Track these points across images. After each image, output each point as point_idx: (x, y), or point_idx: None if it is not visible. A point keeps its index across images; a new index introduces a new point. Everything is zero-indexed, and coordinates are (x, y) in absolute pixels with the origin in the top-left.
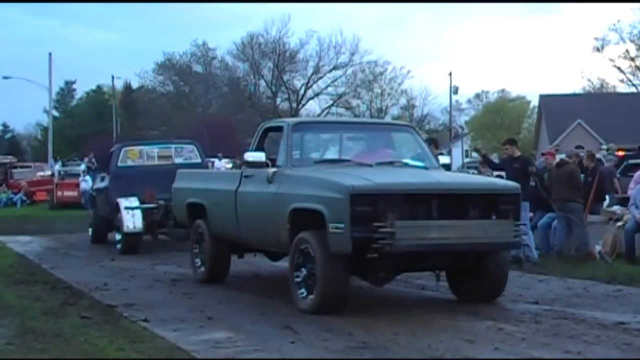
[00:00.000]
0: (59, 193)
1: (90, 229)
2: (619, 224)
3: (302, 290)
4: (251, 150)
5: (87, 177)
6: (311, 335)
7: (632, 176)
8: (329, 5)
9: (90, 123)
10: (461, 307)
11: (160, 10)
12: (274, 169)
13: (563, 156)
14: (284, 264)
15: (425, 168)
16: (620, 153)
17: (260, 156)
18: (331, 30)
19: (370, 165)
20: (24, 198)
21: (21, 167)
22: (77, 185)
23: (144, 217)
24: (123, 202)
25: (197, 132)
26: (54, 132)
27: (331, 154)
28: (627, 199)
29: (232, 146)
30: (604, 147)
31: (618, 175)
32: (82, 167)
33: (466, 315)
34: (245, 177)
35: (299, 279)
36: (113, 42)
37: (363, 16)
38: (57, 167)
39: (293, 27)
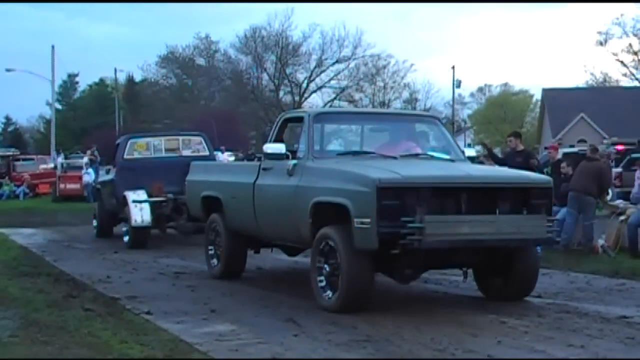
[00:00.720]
0: (62, 186)
1: (94, 223)
2: (622, 218)
3: (325, 287)
4: (270, 142)
5: (90, 170)
6: (314, 329)
7: (634, 170)
8: None
9: (93, 116)
10: (464, 300)
11: (164, 4)
12: (294, 161)
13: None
14: (284, 256)
15: (452, 160)
16: (620, 147)
17: (280, 148)
18: (334, 23)
19: (395, 158)
20: (27, 191)
21: (24, 159)
22: (80, 177)
23: (152, 211)
24: (131, 195)
25: (200, 125)
26: (57, 125)
27: (354, 146)
28: (629, 192)
29: (235, 139)
30: (606, 141)
31: (620, 169)
32: (85, 159)
33: (469, 309)
34: (264, 169)
35: (321, 276)
36: (116, 35)
37: (366, 9)
38: (60, 159)
39: (296, 21)
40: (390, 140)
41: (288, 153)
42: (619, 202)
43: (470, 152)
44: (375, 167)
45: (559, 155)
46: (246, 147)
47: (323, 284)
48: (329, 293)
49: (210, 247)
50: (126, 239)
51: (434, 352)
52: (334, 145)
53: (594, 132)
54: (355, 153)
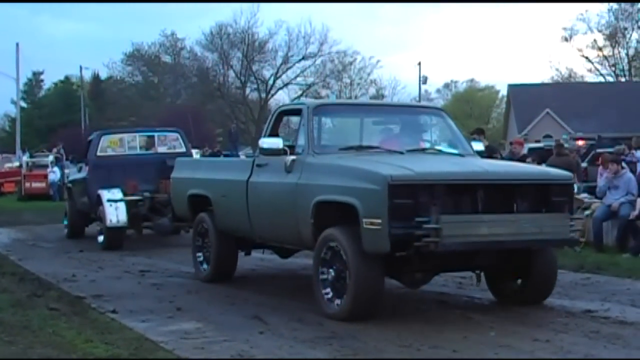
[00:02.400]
0: (27, 184)
1: (65, 223)
2: (587, 212)
3: (330, 293)
4: (265, 136)
5: (56, 168)
6: (280, 325)
7: (599, 165)
8: None
9: (58, 114)
10: (430, 296)
11: (130, 3)
12: (292, 157)
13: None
14: (259, 254)
15: (461, 155)
16: (580, 142)
17: (276, 142)
18: (300, 20)
19: (402, 153)
20: None
21: None
22: (46, 176)
23: (128, 210)
24: (105, 194)
25: (166, 123)
26: (22, 123)
27: (356, 140)
28: (594, 187)
29: (201, 136)
30: (565, 136)
31: (585, 164)
32: (51, 158)
33: (435, 304)
34: (258, 165)
35: (325, 282)
36: (81, 32)
37: (332, 6)
38: (25, 158)
39: (262, 18)
40: (395, 134)
41: (286, 148)
42: (584, 197)
43: (479, 146)
44: (385, 163)
45: (524, 151)
46: (212, 144)
47: (327, 289)
48: (334, 298)
49: (198, 250)
50: (100, 239)
51: (399, 347)
52: (335, 140)
53: (559, 127)
54: (359, 148)
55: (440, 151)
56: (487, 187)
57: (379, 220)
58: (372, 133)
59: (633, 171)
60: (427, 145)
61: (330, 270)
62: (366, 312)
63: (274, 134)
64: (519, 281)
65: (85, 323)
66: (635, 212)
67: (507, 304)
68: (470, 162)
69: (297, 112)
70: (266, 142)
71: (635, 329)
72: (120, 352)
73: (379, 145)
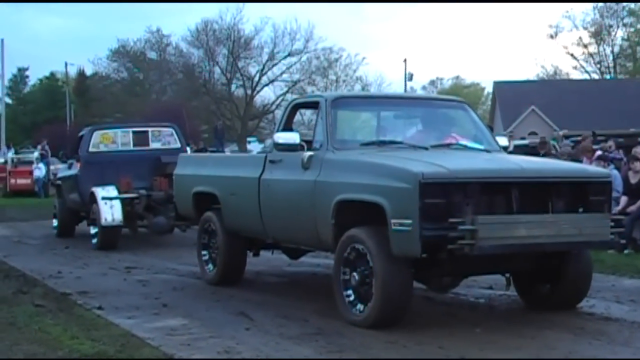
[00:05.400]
0: (12, 181)
1: (54, 222)
2: None
3: (353, 299)
4: (279, 131)
5: (41, 165)
6: (266, 322)
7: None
8: None
9: (43, 110)
10: (416, 292)
11: None
12: (310, 153)
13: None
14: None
15: (487, 151)
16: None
17: (293, 137)
18: (286, 17)
19: (426, 148)
20: None
21: None
22: (31, 172)
23: (123, 208)
24: (100, 192)
25: (152, 119)
26: (7, 120)
27: (377, 135)
28: None
29: (186, 133)
30: (560, 133)
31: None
32: (36, 154)
33: (421, 301)
34: (272, 162)
35: (347, 286)
36: (66, 28)
37: (318, 2)
38: (10, 154)
39: (248, 14)
40: (418, 128)
41: (303, 143)
42: None
43: (504, 141)
44: (413, 160)
45: (511, 148)
46: (197, 140)
47: (350, 294)
48: (358, 304)
49: (203, 248)
50: (94, 241)
51: (386, 344)
52: (355, 134)
53: (544, 124)
54: (382, 143)
55: (465, 146)
56: (523, 185)
57: (409, 221)
58: (393, 127)
59: (618, 168)
60: (453, 140)
61: (354, 273)
62: (394, 320)
63: (288, 128)
64: (549, 285)
65: (71, 320)
66: (619, 208)
67: (493, 301)
68: (502, 159)
69: (313, 105)
70: (282, 137)
71: (619, 325)
72: (107, 349)
73: (401, 140)
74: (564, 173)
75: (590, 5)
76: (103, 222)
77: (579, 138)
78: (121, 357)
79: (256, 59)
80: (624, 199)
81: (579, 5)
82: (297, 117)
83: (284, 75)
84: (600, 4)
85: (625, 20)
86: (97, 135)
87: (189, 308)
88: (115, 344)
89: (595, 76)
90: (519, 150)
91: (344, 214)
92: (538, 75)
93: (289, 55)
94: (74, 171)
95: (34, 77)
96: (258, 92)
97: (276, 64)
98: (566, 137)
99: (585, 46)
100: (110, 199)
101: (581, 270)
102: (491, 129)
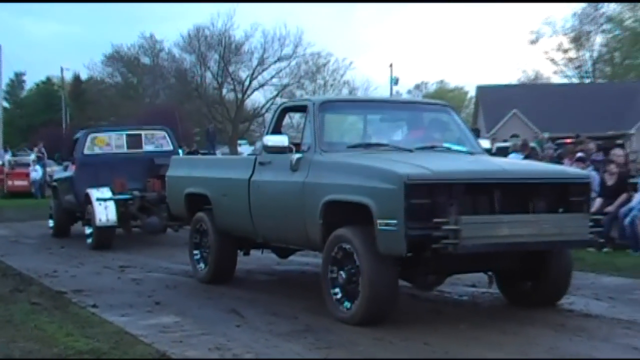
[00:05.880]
0: (10, 182)
1: (50, 223)
2: None
3: (341, 297)
4: (269, 134)
5: (37, 167)
6: (256, 319)
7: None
8: None
9: (40, 113)
10: (402, 290)
11: (110, 2)
12: (298, 155)
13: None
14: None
15: (470, 153)
16: (568, 140)
17: (282, 140)
18: (275, 23)
19: (411, 151)
20: None
21: None
22: (28, 174)
23: (117, 209)
24: (94, 193)
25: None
26: (4, 123)
27: (363, 137)
28: None
29: (178, 135)
30: (545, 135)
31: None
32: (32, 156)
33: (406, 299)
34: (261, 164)
35: (335, 284)
36: (62, 33)
37: (307, 9)
38: (7, 156)
39: (238, 20)
40: (403, 131)
41: (291, 146)
42: None
43: (485, 143)
44: (399, 162)
45: (494, 150)
46: (190, 143)
47: (337, 292)
48: (345, 302)
49: (195, 247)
50: (89, 241)
51: (372, 340)
52: (342, 137)
53: (526, 127)
54: (368, 145)
55: (449, 149)
56: (505, 186)
57: (395, 221)
58: (379, 130)
59: (598, 170)
60: (437, 142)
61: (341, 271)
62: (380, 317)
63: (277, 131)
64: (530, 283)
65: (66, 317)
66: (593, 210)
67: (477, 298)
68: (485, 161)
69: (302, 108)
70: (271, 140)
71: (599, 321)
72: (101, 346)
73: (387, 142)
74: (545, 174)
75: (569, 11)
76: (98, 222)
77: (565, 141)
78: (115, 353)
79: (246, 63)
80: (598, 201)
81: (559, 12)
82: (286, 120)
83: (274, 80)
84: (579, 11)
85: (604, 27)
86: (91, 138)
87: (181, 306)
88: (109, 341)
89: (575, 80)
90: (502, 152)
91: (331, 214)
92: (520, 79)
93: (279, 60)
94: (69, 173)
95: (30, 82)
96: (248, 96)
97: (266, 68)
98: (552, 139)
99: (565, 51)
100: (105, 200)
101: (561, 268)
102: (478, 131)
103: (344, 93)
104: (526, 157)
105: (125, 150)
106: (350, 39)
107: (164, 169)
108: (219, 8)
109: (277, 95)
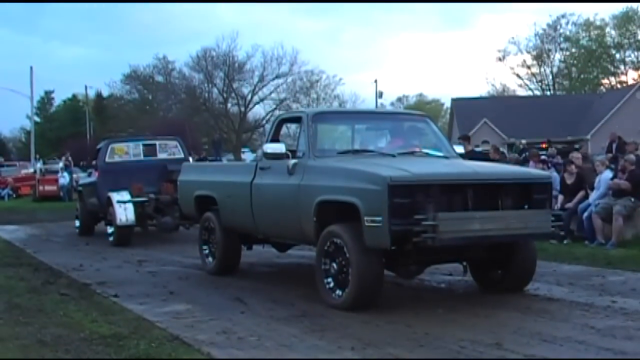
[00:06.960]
0: (41, 187)
1: (77, 223)
2: None
3: (332, 285)
4: (268, 142)
5: (65, 174)
6: (258, 306)
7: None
8: (272, 21)
9: (67, 127)
10: (388, 279)
11: (127, 28)
12: (294, 160)
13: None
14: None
15: (446, 157)
16: (544, 144)
17: (280, 147)
18: (274, 44)
19: (393, 156)
20: (11, 192)
21: (8, 165)
22: (56, 180)
23: (135, 210)
24: (115, 196)
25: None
26: (36, 135)
27: (352, 144)
28: None
29: (189, 144)
30: (523, 142)
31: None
32: (60, 164)
33: (391, 286)
34: (261, 169)
35: (328, 274)
36: (86, 56)
37: (301, 31)
38: (39, 165)
39: (241, 42)
40: (387, 139)
41: (288, 152)
42: None
43: (460, 149)
44: (382, 165)
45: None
46: (199, 151)
47: (330, 281)
48: (337, 290)
49: (204, 243)
50: (111, 238)
51: (361, 323)
52: (333, 144)
53: (495, 134)
54: (356, 151)
55: (427, 154)
56: (477, 186)
57: (380, 218)
58: (366, 138)
59: (559, 171)
60: (417, 149)
61: (333, 263)
62: (368, 302)
63: (275, 139)
64: (500, 271)
65: (91, 306)
66: (557, 207)
67: (453, 285)
68: (459, 164)
69: (297, 119)
70: (270, 147)
71: (560, 304)
72: (122, 331)
73: (373, 149)
74: (512, 175)
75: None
76: (118, 222)
77: (542, 145)
78: (134, 337)
79: (248, 80)
80: (560, 198)
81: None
82: (284, 130)
83: (273, 95)
84: (541, 31)
85: (562, 45)
86: (112, 148)
87: (192, 295)
88: (129, 326)
89: (538, 93)
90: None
91: (324, 212)
92: (489, 92)
93: (277, 77)
94: (93, 179)
95: (58, 99)
96: (250, 109)
97: (265, 84)
98: (529, 144)
99: (529, 67)
100: (124, 202)
101: (527, 258)
102: (467, 137)
103: (335, 106)
104: (496, 161)
105: (141, 158)
106: (340, 58)
107: (176, 174)
108: (224, 31)
109: (275, 109)
